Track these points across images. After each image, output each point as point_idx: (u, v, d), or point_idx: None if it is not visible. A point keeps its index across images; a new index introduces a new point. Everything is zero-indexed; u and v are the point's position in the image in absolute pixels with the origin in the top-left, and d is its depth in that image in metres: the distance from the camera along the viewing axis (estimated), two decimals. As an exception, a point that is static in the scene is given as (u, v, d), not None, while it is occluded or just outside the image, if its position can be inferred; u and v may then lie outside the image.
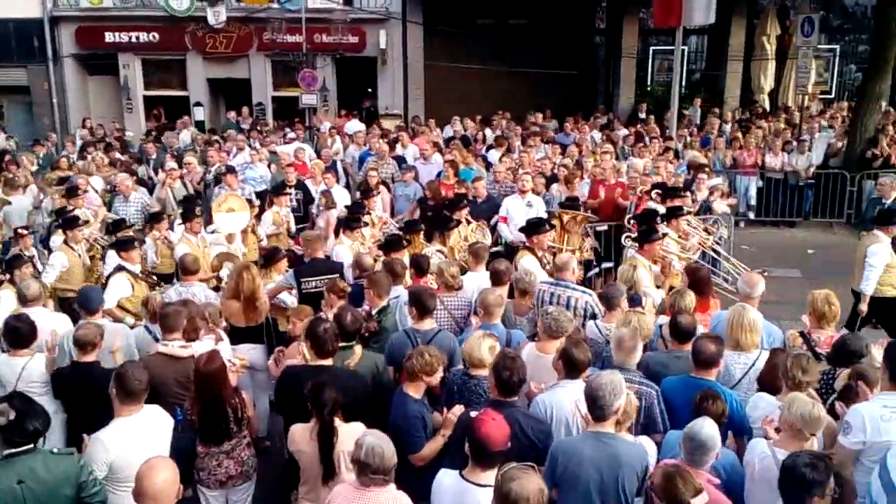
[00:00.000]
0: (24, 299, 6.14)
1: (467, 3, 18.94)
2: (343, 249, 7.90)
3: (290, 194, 10.27)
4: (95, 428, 4.36)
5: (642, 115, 17.21)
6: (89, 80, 19.34)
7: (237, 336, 6.21)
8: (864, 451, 4.14)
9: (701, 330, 5.28)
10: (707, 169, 11.06)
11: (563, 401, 4.41)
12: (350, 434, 4.07)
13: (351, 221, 8.42)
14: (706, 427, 3.84)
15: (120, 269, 7.33)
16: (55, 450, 4.10)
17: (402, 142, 13.35)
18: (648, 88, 20.43)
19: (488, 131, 15.59)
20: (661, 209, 8.70)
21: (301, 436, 4.30)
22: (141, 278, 7.44)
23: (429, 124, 16.18)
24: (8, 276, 7.24)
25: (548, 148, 13.33)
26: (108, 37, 18.26)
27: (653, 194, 9.40)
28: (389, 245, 7.43)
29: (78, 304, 6.08)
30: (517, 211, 9.19)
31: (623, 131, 15.56)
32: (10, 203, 10.06)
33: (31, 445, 3.89)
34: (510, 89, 18.78)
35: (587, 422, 4.00)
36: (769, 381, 4.76)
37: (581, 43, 20.90)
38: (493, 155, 13.06)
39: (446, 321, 6.12)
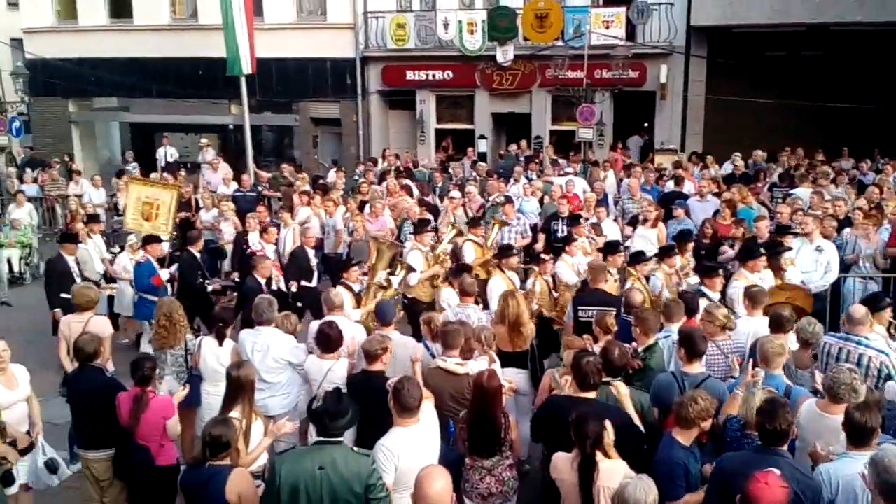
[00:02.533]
0: (331, 306, 6.86)
1: (756, 35, 17.94)
2: None
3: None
4: (374, 434, 4.74)
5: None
6: (390, 113, 21.28)
7: (503, 360, 6.38)
8: None
9: None
10: None
11: (854, 476, 3.92)
12: (611, 471, 4.12)
13: None
14: None
15: None
16: (355, 448, 4.46)
17: (678, 178, 13.02)
18: (973, 124, 17.67)
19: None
20: None
21: (563, 464, 4.41)
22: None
23: (707, 161, 15.55)
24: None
25: (844, 189, 12.15)
26: (409, 75, 20.00)
27: None
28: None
29: (375, 317, 6.79)
30: (804, 256, 8.48)
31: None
32: None
33: (340, 439, 4.30)
34: (799, 125, 17.36)
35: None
36: None
37: (886, 74, 18.75)
38: (802, 192, 11.79)
39: (721, 363, 5.86)
